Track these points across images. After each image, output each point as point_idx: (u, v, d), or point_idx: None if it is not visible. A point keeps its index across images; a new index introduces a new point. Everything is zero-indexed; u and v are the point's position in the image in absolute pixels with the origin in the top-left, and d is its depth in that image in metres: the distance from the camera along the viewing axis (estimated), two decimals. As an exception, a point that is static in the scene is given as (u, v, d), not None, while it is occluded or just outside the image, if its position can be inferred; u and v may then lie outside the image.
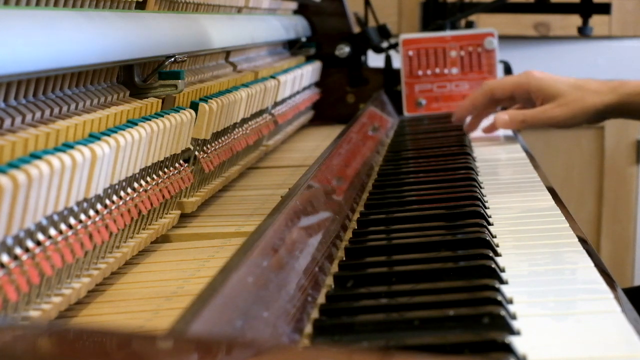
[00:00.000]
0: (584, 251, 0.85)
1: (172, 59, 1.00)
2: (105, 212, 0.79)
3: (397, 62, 1.89)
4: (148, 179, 0.91)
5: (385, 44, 1.98)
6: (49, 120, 0.77)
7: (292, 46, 1.89)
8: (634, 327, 0.65)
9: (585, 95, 1.44)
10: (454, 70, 1.82)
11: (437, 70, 1.82)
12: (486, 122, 1.62)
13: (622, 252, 2.80)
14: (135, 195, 0.86)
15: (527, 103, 1.53)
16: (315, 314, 0.71)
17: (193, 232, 1.01)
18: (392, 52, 1.97)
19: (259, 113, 1.39)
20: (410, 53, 1.83)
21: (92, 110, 0.85)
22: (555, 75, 1.50)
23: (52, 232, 0.70)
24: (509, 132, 1.68)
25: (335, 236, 0.90)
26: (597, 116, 1.46)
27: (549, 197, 1.09)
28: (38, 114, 0.77)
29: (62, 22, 0.77)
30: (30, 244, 0.66)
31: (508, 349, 0.61)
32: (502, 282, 0.76)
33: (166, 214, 0.99)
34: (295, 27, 1.81)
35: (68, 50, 0.76)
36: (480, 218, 0.95)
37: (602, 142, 2.81)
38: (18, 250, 0.65)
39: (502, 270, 0.80)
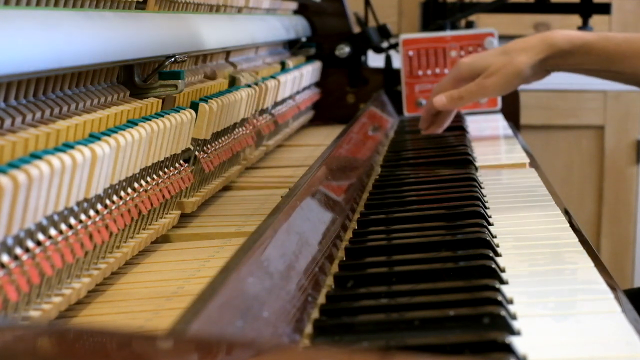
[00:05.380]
0: (584, 251, 0.85)
1: (172, 59, 1.00)
2: (105, 212, 0.79)
3: (397, 62, 1.89)
4: (148, 179, 0.91)
5: (385, 44, 1.98)
6: (49, 120, 0.77)
7: (292, 46, 1.89)
8: (634, 327, 0.65)
9: (513, 57, 1.43)
10: (454, 70, 1.82)
11: (437, 70, 1.82)
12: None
13: (622, 252, 2.80)
14: (135, 195, 0.86)
15: None
16: (315, 314, 0.71)
17: (193, 232, 1.01)
18: (392, 52, 1.97)
19: (259, 113, 1.39)
20: (410, 53, 1.83)
21: (92, 110, 0.85)
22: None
23: (52, 232, 0.69)
24: (509, 132, 1.68)
25: (336, 236, 0.90)
26: (535, 74, 1.45)
27: (549, 197, 1.09)
28: (38, 114, 0.77)
29: (62, 22, 0.77)
30: (30, 244, 0.66)
31: (508, 349, 0.61)
32: (502, 282, 0.76)
33: (166, 214, 0.99)
34: (295, 27, 1.81)
35: (68, 50, 0.76)
36: (480, 218, 0.95)
37: (602, 142, 2.81)
38: (18, 250, 0.65)
39: (502, 271, 0.80)
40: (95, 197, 0.77)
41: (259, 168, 1.42)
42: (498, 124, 1.80)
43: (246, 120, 1.31)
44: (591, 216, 2.81)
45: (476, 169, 1.27)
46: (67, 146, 0.72)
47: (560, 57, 1.42)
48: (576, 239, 0.89)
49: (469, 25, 2.21)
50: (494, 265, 0.78)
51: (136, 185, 0.88)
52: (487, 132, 1.74)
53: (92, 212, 0.77)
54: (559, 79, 1.73)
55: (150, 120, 0.89)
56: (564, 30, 1.43)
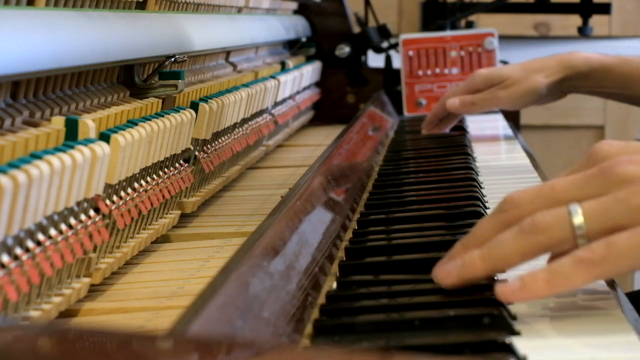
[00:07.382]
0: (584, 251, 0.85)
1: (172, 59, 1.00)
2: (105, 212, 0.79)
3: (397, 62, 1.89)
4: (148, 179, 0.91)
5: (385, 44, 1.98)
6: (49, 120, 0.77)
7: (292, 46, 1.89)
8: (634, 327, 0.65)
9: (530, 74, 1.44)
10: (454, 71, 1.82)
11: (437, 70, 1.82)
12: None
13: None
14: (135, 195, 0.86)
15: None
16: (315, 314, 0.71)
17: (193, 232, 1.01)
18: (392, 52, 1.97)
19: (259, 113, 1.39)
20: (410, 53, 1.83)
21: (92, 110, 0.85)
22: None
23: (52, 232, 0.69)
24: (509, 132, 1.68)
25: (336, 236, 0.90)
26: (550, 95, 1.46)
27: (549, 197, 1.09)
28: (38, 114, 0.77)
29: (62, 22, 0.77)
30: (30, 244, 0.66)
31: (509, 349, 0.61)
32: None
33: (166, 214, 0.99)
34: (295, 27, 1.81)
35: (68, 50, 0.76)
36: (480, 218, 0.95)
37: (602, 142, 2.81)
38: (18, 251, 0.65)
39: (502, 271, 0.80)
40: (95, 197, 0.77)
41: (259, 168, 1.42)
42: (498, 124, 1.80)
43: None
44: (591, 216, 2.81)
45: (476, 169, 1.27)
46: (67, 146, 0.72)
47: (577, 79, 1.43)
48: (576, 239, 0.89)
49: (469, 25, 2.21)
50: (494, 266, 0.78)
51: (136, 185, 0.88)
52: (487, 132, 1.74)
53: (92, 212, 0.77)
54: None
55: (150, 120, 0.89)
56: (583, 52, 1.44)
